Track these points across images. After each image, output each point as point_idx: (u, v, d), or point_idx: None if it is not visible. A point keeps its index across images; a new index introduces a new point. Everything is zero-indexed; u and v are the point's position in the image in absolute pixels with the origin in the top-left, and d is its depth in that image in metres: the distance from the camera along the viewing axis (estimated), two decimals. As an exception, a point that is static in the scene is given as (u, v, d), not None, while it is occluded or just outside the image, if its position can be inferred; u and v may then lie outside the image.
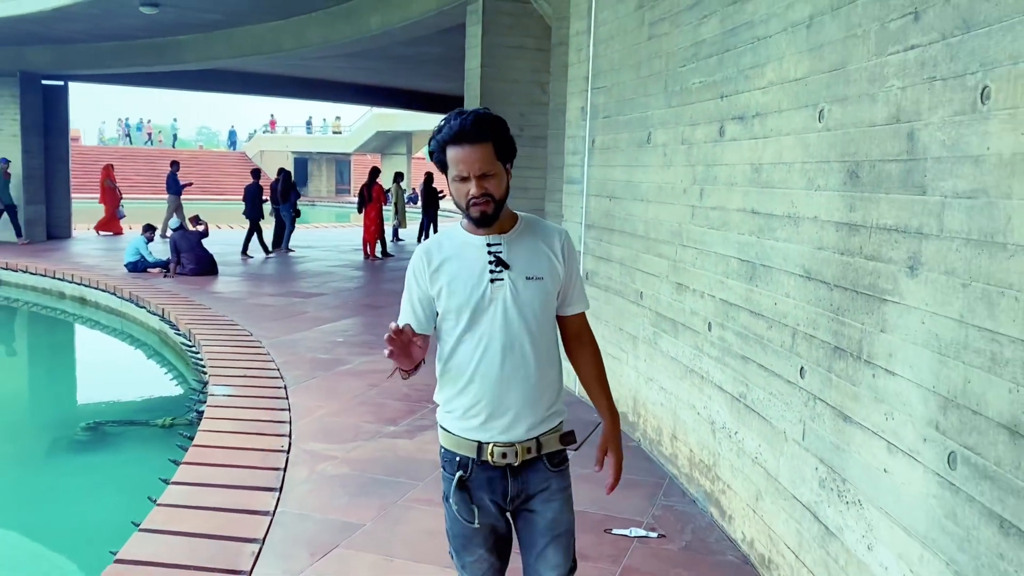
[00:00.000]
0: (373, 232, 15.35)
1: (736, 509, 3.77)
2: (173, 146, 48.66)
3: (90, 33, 14.52)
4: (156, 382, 8.66)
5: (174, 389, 8.11)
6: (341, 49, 12.49)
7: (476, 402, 2.11)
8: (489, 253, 2.10)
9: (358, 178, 45.64)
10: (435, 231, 17.93)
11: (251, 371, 6.64)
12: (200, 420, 5.52)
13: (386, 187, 17.27)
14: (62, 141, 17.96)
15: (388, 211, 17.51)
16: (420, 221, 18.48)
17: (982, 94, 2.11)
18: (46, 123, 17.27)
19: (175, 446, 5.51)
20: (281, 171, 16.16)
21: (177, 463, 4.68)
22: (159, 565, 3.38)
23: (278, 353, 7.33)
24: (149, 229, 13.12)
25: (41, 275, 12.68)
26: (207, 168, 43.86)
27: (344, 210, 37.84)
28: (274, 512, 3.95)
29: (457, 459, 2.15)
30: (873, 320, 2.63)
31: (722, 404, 3.91)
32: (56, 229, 17.55)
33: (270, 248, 15.63)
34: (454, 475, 2.14)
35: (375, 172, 15.49)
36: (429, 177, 18.33)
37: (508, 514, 2.19)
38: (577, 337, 2.27)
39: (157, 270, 12.37)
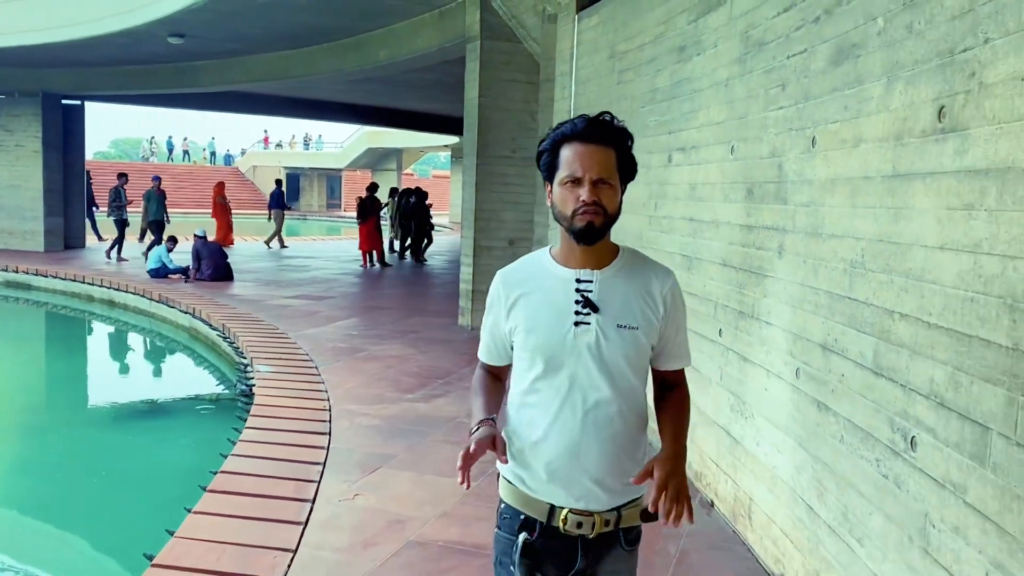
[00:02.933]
0: (371, 243, 16.62)
1: (680, 443, 5.00)
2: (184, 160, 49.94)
3: (112, 58, 15.69)
4: (196, 369, 9.84)
5: (212, 374, 9.29)
6: (348, 77, 13.73)
7: (550, 460, 1.83)
8: (577, 291, 1.83)
9: (349, 193, 46.99)
10: (422, 245, 19.20)
11: (285, 356, 7.83)
12: (251, 393, 6.71)
13: (383, 201, 18.58)
14: (79, 157, 19.07)
15: (385, 224, 18.75)
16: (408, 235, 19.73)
17: (812, 141, 3.37)
18: (64, 140, 18.41)
19: (234, 415, 6.69)
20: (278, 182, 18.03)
21: (244, 420, 5.87)
22: (253, 475, 4.58)
23: (303, 343, 8.52)
24: (172, 240, 14.29)
25: (71, 280, 13.80)
26: (202, 183, 44.89)
27: (335, 224, 39.02)
28: (328, 447, 5.15)
29: (522, 518, 1.87)
30: (760, 290, 3.88)
31: (670, 365, 5.15)
32: (72, 240, 18.64)
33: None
34: (515, 535, 1.87)
35: (373, 187, 16.95)
36: (421, 193, 19.63)
37: None
38: (674, 388, 1.97)
39: (177, 276, 13.53)
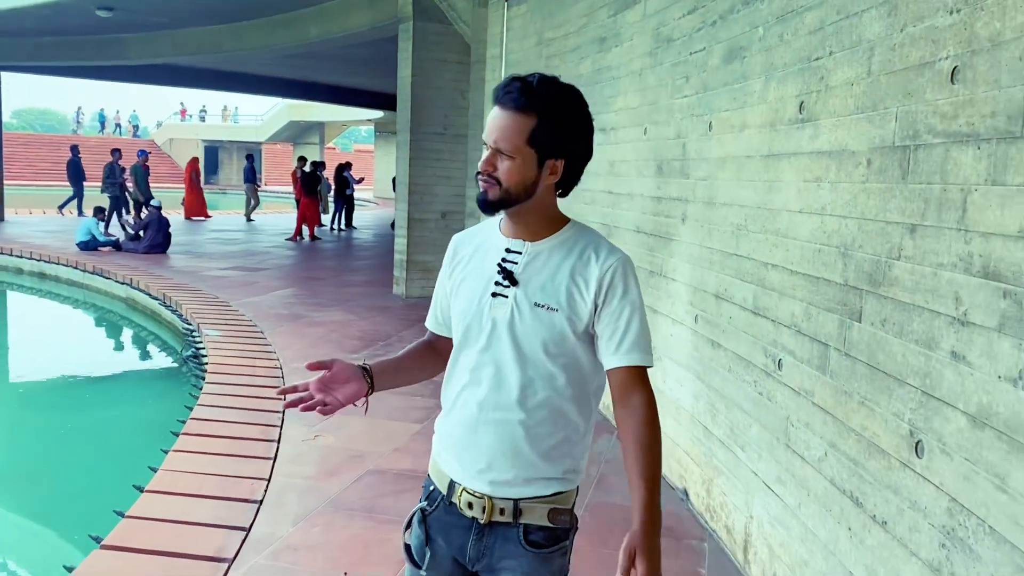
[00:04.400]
0: (313, 217, 17.17)
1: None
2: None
3: (33, 28, 15.49)
4: (139, 337, 10.11)
5: (153, 342, 9.59)
6: (279, 52, 13.96)
7: (452, 433, 1.74)
8: (503, 261, 1.71)
9: (269, 168, 46.52)
10: (347, 218, 19.97)
11: (230, 322, 8.24)
12: (198, 357, 7.13)
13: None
14: (-5, 128, 18.71)
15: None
16: (334, 209, 20.21)
17: (709, 126, 4.04)
18: (-20, 111, 18.05)
19: (183, 380, 7.10)
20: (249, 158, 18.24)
21: (195, 383, 6.31)
22: (221, 421, 5.08)
23: (246, 310, 8.92)
24: (99, 211, 14.33)
25: (-2, 253, 13.74)
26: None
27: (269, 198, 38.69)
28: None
29: (431, 488, 1.80)
30: (667, 252, 4.56)
31: (592, 322, 5.82)
32: (-10, 212, 18.33)
33: None
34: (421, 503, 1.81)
35: (320, 164, 18.08)
36: (338, 165, 20.24)
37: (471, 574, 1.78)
38: (621, 399, 1.68)
39: (107, 248, 13.62)
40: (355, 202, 20.80)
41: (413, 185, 10.01)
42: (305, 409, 1.74)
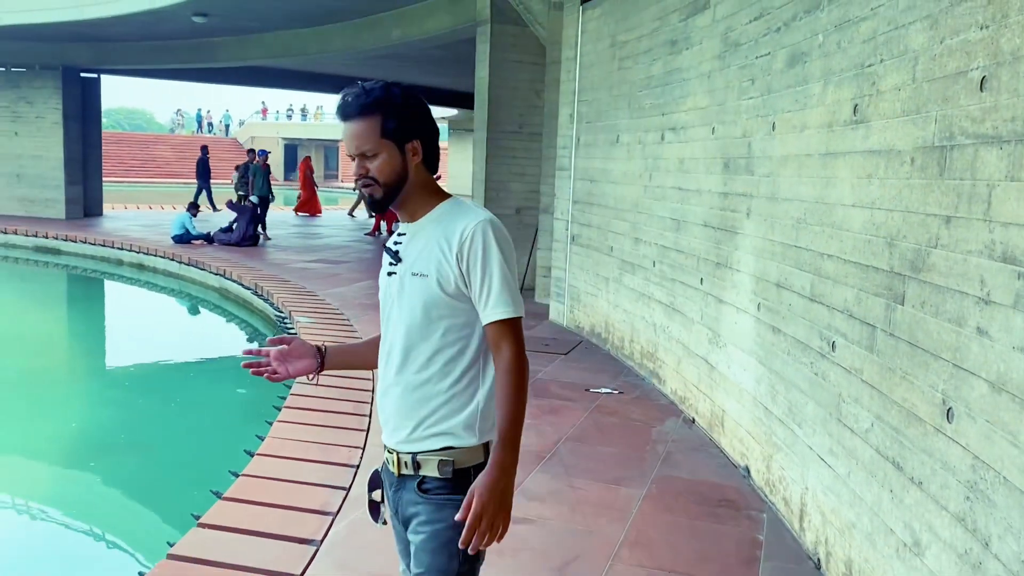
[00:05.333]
0: (388, 213, 17.66)
1: (667, 374, 6.00)
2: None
3: (132, 34, 16.44)
4: (230, 325, 10.80)
5: (245, 329, 10.25)
6: (361, 54, 14.54)
7: (377, 399, 2.00)
8: (393, 243, 1.95)
9: (346, 164, 47.76)
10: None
11: (318, 310, 8.78)
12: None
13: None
14: (95, 129, 19.84)
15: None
16: None
17: (772, 126, 4.32)
18: (83, 112, 19.16)
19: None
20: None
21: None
22: (319, 397, 5.56)
23: (332, 300, 9.47)
24: (193, 206, 15.18)
25: (100, 245, 14.69)
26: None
27: (332, 194, 39.78)
28: (374, 378, 6.12)
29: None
30: (732, 244, 4.84)
31: (660, 311, 6.13)
32: (91, 207, 19.47)
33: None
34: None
35: None
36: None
37: None
38: (494, 351, 1.85)
39: (200, 241, 14.43)
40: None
41: (489, 182, 10.42)
42: (255, 373, 2.04)
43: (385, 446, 1.95)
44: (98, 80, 19.62)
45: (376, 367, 2.03)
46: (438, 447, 1.86)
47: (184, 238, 14.42)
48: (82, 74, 18.94)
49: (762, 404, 4.31)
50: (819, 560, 3.51)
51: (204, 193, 21.53)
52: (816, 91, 3.76)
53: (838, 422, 3.37)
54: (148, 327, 11.31)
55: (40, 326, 11.20)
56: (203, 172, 22.28)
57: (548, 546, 3.62)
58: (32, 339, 10.30)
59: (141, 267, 13.84)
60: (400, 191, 1.87)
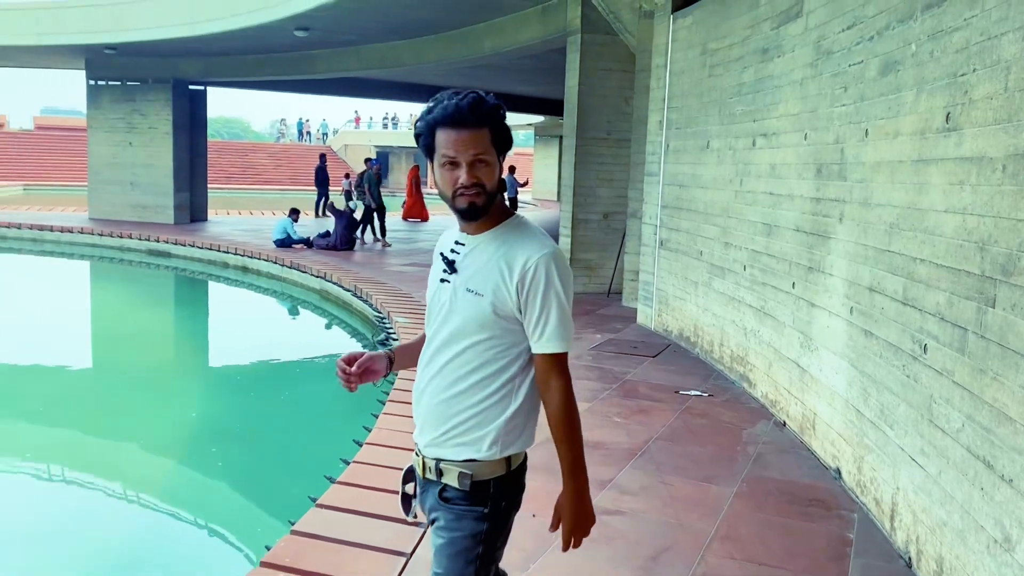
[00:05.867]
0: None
1: (758, 378, 6.07)
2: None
3: (237, 48, 17.28)
4: (332, 324, 11.30)
5: (344, 329, 10.71)
6: (453, 65, 14.95)
7: (413, 398, 2.06)
8: (450, 251, 1.99)
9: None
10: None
11: (415, 311, 9.13)
12: (388, 341, 8.02)
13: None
14: (201, 138, 20.87)
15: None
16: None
17: (865, 133, 4.39)
18: (190, 123, 20.18)
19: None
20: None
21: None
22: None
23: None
24: (294, 212, 15.86)
25: (207, 248, 15.49)
26: (296, 161, 47.11)
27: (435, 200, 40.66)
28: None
29: None
30: (824, 249, 4.91)
31: (750, 315, 6.20)
32: (197, 213, 20.48)
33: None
34: None
35: None
36: (509, 169, 21.10)
37: None
38: (542, 380, 1.93)
39: (300, 245, 15.07)
40: (517, 204, 21.74)
41: (578, 188, 10.61)
42: (344, 385, 2.11)
43: (416, 446, 2.04)
44: (204, 92, 20.63)
45: (400, 365, 2.16)
46: (461, 458, 1.93)
47: (285, 242, 15.09)
48: (190, 86, 19.97)
49: (854, 406, 4.38)
50: (910, 558, 3.58)
51: (321, 199, 22.50)
52: (909, 99, 3.83)
53: (929, 423, 3.44)
54: (253, 326, 11.92)
55: (153, 325, 11.95)
56: (322, 179, 23.35)
57: (640, 536, 3.80)
58: (146, 336, 11.01)
59: (245, 269, 14.55)
60: (495, 200, 1.92)
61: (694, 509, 4.12)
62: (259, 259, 14.20)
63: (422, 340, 2.11)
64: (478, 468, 1.93)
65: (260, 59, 18.20)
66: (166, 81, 19.35)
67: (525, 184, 23.37)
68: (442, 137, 1.86)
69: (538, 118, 34.19)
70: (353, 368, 2.05)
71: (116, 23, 16.55)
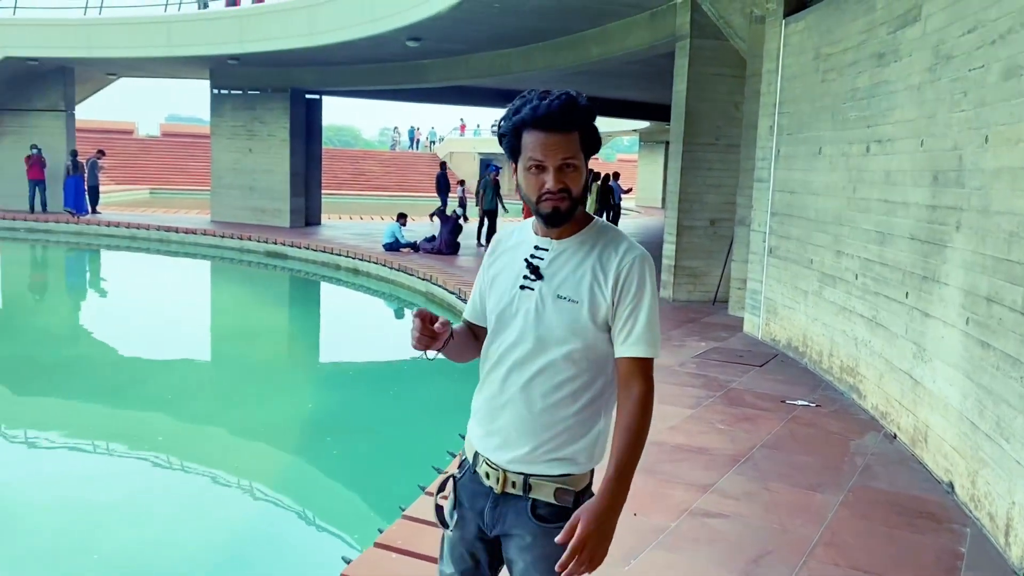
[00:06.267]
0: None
1: (868, 389, 5.95)
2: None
3: (352, 57, 17.91)
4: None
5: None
6: (559, 71, 15.09)
7: (479, 408, 1.94)
8: (531, 257, 1.88)
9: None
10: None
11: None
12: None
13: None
14: (317, 145, 21.69)
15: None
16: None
17: (986, 139, 4.27)
18: (306, 131, 21.02)
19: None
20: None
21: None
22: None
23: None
24: (402, 216, 16.34)
25: (321, 251, 16.13)
26: (404, 168, 48.27)
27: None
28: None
29: (463, 459, 2.02)
30: (940, 258, 4.79)
31: (861, 326, 6.08)
32: (311, 217, 21.29)
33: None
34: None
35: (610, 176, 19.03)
36: (605, 175, 21.07)
37: (493, 543, 1.96)
38: (624, 386, 1.84)
39: (407, 249, 15.51)
40: (621, 211, 21.67)
41: (684, 194, 10.56)
42: (415, 340, 1.84)
43: (485, 459, 1.91)
44: (320, 101, 21.44)
45: (460, 361, 2.03)
46: (557, 473, 1.84)
47: (393, 246, 15.55)
48: (306, 95, 20.80)
49: (968, 419, 4.27)
50: (1026, 576, 3.48)
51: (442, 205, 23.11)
52: (1033, 104, 3.73)
53: (1049, 437, 3.34)
54: (363, 325, 12.36)
55: (271, 322, 12.55)
56: (443, 186, 23.88)
57: (743, 539, 3.81)
58: (264, 333, 11.58)
59: (356, 272, 15.07)
60: (578, 207, 1.84)
61: (797, 515, 4.11)
62: (369, 262, 14.69)
63: (461, 333, 2.00)
64: (574, 482, 1.86)
65: (372, 68, 18.80)
66: (284, 90, 20.21)
67: (629, 191, 23.22)
68: (529, 140, 1.78)
69: (643, 123, 33.98)
70: (436, 326, 1.81)
71: (240, 35, 17.43)
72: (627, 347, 1.82)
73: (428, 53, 16.38)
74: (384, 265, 14.15)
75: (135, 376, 9.04)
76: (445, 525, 1.98)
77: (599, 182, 20.90)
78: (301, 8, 16.11)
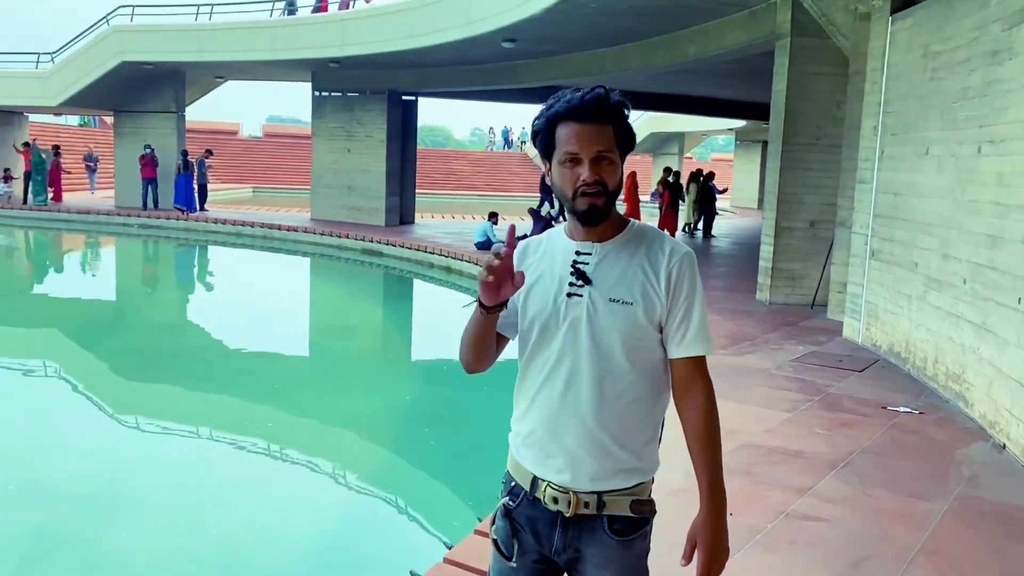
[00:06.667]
0: (669, 225, 18.11)
1: (976, 397, 5.75)
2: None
3: (447, 59, 18.22)
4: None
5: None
6: (654, 71, 15.02)
7: (532, 431, 1.83)
8: (574, 263, 1.79)
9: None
10: (707, 227, 20.46)
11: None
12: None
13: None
14: (412, 146, 22.12)
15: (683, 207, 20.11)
16: (696, 217, 20.92)
17: (1109, 139, 4.10)
18: (402, 131, 21.47)
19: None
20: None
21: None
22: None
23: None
24: (493, 216, 16.55)
25: (415, 249, 16.48)
26: (494, 168, 48.70)
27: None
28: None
29: (512, 484, 1.89)
30: (1057, 262, 4.62)
31: (969, 332, 5.89)
32: (405, 216, 21.74)
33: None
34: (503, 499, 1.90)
35: (710, 175, 19.15)
36: (709, 175, 20.78)
37: (557, 566, 1.88)
38: (684, 386, 1.80)
39: (499, 248, 15.69)
40: (715, 212, 21.35)
41: (782, 194, 10.37)
42: (495, 267, 1.69)
43: (548, 483, 1.80)
44: (416, 102, 21.88)
45: (485, 362, 1.89)
46: (630, 485, 1.79)
47: (485, 245, 15.74)
48: (403, 97, 21.26)
49: (1085, 430, 4.10)
50: None
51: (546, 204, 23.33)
52: None
53: None
54: (457, 323, 12.57)
55: (368, 317, 12.91)
56: (546, 186, 24.25)
57: (842, 544, 3.77)
58: (362, 327, 11.92)
59: (448, 270, 15.34)
60: (614, 204, 1.79)
61: (899, 522, 4.03)
62: (461, 260, 14.93)
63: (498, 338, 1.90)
64: (645, 490, 1.83)
65: (467, 70, 19.08)
66: (382, 92, 20.69)
67: (724, 191, 22.83)
68: (563, 132, 1.74)
69: (739, 123, 33.37)
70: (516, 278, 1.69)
71: (341, 38, 17.96)
72: (684, 347, 1.79)
73: (522, 54, 16.53)
74: (477, 264, 14.35)
75: (242, 366, 9.46)
76: (508, 557, 1.88)
77: (697, 182, 20.69)
78: (400, 12, 16.51)
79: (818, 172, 10.29)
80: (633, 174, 22.58)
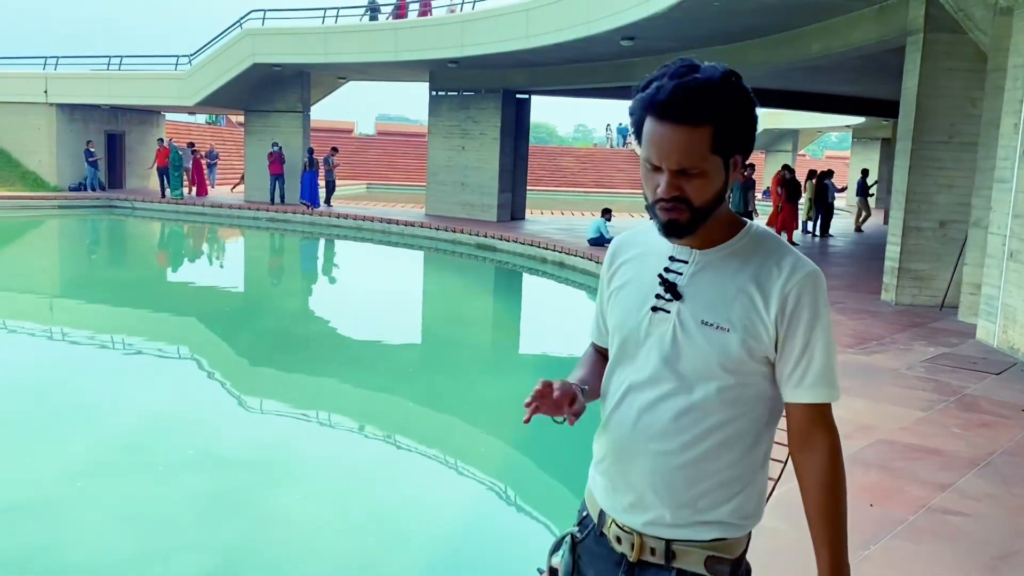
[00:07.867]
0: (783, 221, 17.74)
1: (1125, 403, 5.59)
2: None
3: (562, 58, 18.45)
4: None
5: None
6: (774, 67, 14.83)
7: (603, 457, 1.61)
8: (665, 271, 1.53)
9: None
10: (824, 226, 19.89)
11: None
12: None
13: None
14: (524, 143, 22.48)
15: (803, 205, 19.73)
16: (814, 215, 20.43)
17: None
18: (515, 129, 21.83)
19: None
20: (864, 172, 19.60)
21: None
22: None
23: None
24: (607, 212, 16.69)
25: (528, 244, 16.79)
26: (600, 165, 48.66)
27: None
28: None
29: (584, 515, 1.68)
30: None
31: (1120, 335, 5.71)
32: (517, 211, 22.11)
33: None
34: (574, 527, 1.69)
35: (828, 173, 18.92)
36: (820, 173, 20.27)
37: None
38: (802, 438, 1.52)
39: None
40: (833, 211, 20.82)
41: (911, 193, 10.15)
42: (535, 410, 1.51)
43: (614, 520, 1.58)
44: (528, 100, 22.21)
45: (591, 399, 1.63)
46: (707, 538, 1.51)
47: (598, 241, 15.90)
48: (516, 95, 21.61)
49: None
50: None
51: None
52: None
53: None
54: (569, 317, 12.82)
55: (484, 310, 13.29)
56: None
57: (986, 538, 3.80)
58: (479, 320, 12.29)
59: (561, 265, 15.58)
60: (712, 215, 1.47)
61: (1047, 522, 4.02)
62: (575, 256, 15.14)
63: (596, 362, 1.73)
64: (729, 548, 1.53)
65: (582, 68, 19.25)
66: (496, 91, 21.11)
67: (843, 190, 22.24)
68: (648, 129, 1.43)
69: (857, 119, 32.36)
70: (556, 394, 1.51)
71: (460, 39, 18.44)
72: (803, 391, 1.49)
73: (638, 52, 16.58)
74: (590, 260, 14.54)
75: (365, 354, 9.95)
76: None
77: (813, 180, 20.22)
78: (518, 12, 16.84)
79: (950, 171, 10.03)
80: (779, 173, 18.67)
